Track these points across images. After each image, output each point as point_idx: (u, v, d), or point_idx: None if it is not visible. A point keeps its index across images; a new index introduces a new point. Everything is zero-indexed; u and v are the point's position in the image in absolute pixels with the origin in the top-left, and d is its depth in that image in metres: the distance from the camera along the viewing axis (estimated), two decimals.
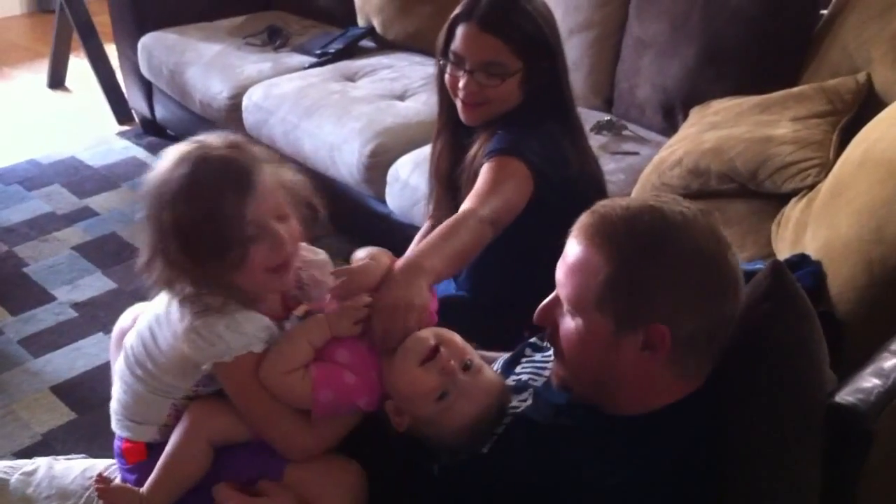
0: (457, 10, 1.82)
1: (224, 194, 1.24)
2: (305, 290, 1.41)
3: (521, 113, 1.85)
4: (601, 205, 1.22)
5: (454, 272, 1.72)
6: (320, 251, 1.45)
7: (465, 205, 1.69)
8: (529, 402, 1.35)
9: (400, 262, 1.46)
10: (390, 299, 1.35)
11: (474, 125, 1.88)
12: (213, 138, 1.30)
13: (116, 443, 1.43)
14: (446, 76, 1.86)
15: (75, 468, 1.51)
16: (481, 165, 1.77)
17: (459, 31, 1.81)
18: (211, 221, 1.24)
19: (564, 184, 1.81)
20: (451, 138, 1.98)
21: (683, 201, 1.21)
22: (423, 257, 1.49)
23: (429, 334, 1.33)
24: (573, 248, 1.21)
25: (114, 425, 1.43)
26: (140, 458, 1.39)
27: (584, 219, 1.22)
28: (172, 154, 1.28)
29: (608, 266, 1.16)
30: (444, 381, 1.27)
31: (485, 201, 1.67)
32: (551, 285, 1.27)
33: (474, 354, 1.35)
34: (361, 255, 1.47)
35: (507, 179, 1.73)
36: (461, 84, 1.82)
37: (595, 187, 1.95)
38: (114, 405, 1.42)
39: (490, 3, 1.78)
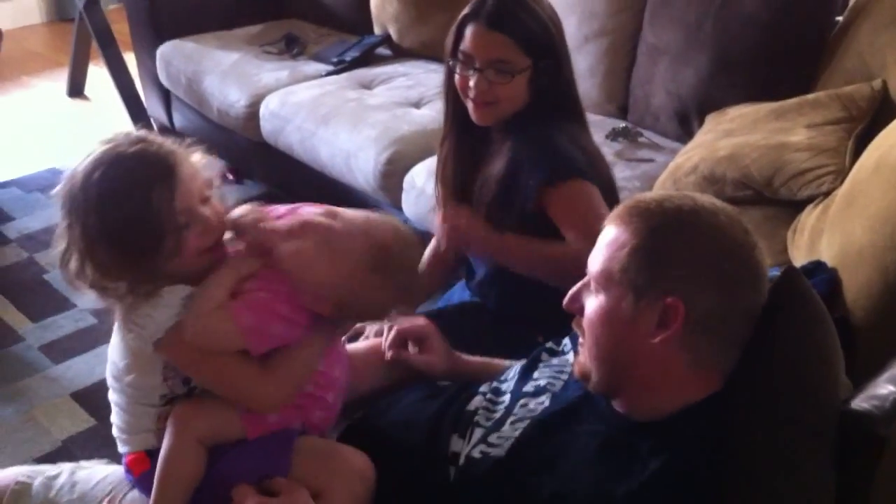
0: (464, 12, 1.86)
1: (151, 189, 1.27)
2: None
3: (532, 112, 1.87)
4: (635, 195, 1.28)
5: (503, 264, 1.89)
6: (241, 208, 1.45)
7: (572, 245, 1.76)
8: (546, 404, 1.36)
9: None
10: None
11: (486, 125, 1.91)
12: (119, 137, 1.33)
13: (123, 461, 1.45)
14: (456, 77, 1.89)
15: (98, 474, 1.52)
16: (531, 194, 1.80)
17: (468, 31, 1.84)
18: (142, 218, 1.27)
19: (600, 184, 1.87)
20: (458, 143, 2.01)
21: (719, 201, 1.25)
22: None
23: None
24: (605, 230, 1.26)
25: (118, 447, 1.45)
26: (144, 467, 1.40)
27: (618, 206, 1.27)
28: (85, 161, 1.30)
29: (634, 238, 1.20)
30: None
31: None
32: (565, 292, 1.29)
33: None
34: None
35: (595, 205, 1.79)
36: (471, 83, 1.84)
37: (609, 182, 1.97)
38: (113, 429, 1.45)
39: (496, 2, 1.81)
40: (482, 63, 1.82)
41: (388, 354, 1.64)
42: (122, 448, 1.44)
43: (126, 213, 1.27)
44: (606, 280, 1.22)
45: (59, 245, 1.34)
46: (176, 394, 1.37)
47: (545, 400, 1.38)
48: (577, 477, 1.20)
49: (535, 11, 1.83)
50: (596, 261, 1.25)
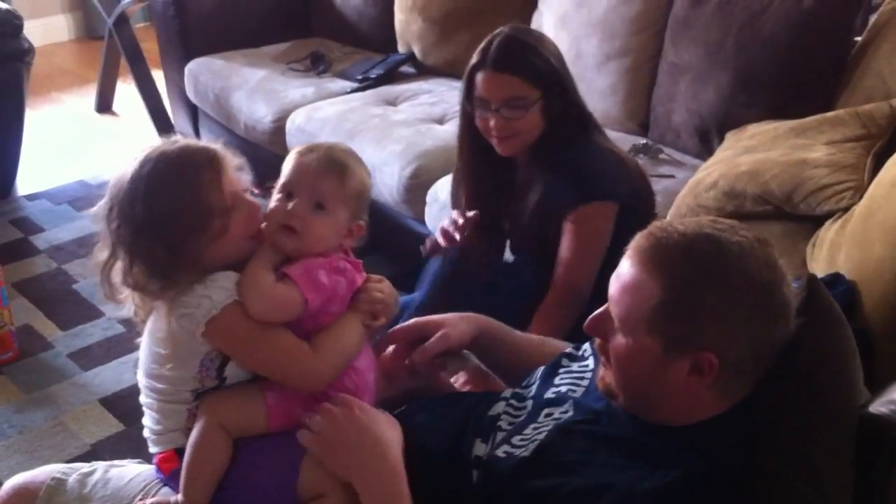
0: (472, 61, 2.03)
1: (199, 172, 1.36)
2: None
3: (552, 137, 2.03)
4: (658, 228, 1.24)
5: None
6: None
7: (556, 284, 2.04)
8: (570, 413, 1.38)
9: None
10: None
11: (512, 155, 2.08)
12: (149, 145, 1.40)
13: (153, 462, 1.49)
14: (477, 121, 2.05)
15: (130, 471, 1.55)
16: (562, 215, 2.02)
17: (478, 78, 2.01)
18: (191, 200, 1.35)
19: (633, 188, 2.06)
20: (480, 179, 2.17)
21: (741, 228, 1.22)
22: None
23: None
24: (628, 269, 1.24)
25: (149, 448, 1.49)
26: (173, 465, 1.43)
27: (640, 240, 1.24)
28: (128, 165, 1.37)
29: (661, 292, 1.19)
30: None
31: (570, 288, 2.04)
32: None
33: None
34: None
35: (597, 234, 2.02)
36: (491, 124, 2.01)
37: (643, 180, 2.15)
38: (145, 431, 1.48)
39: (498, 47, 1.99)
40: (497, 103, 1.99)
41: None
42: (152, 448, 1.48)
43: (175, 195, 1.35)
44: (633, 327, 1.22)
45: (101, 254, 1.40)
46: (206, 387, 1.41)
47: (568, 409, 1.39)
48: (601, 476, 1.22)
49: (535, 48, 2.00)
50: (619, 303, 1.24)
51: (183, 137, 1.45)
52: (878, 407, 1.19)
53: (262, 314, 1.36)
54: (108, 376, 2.76)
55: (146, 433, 1.49)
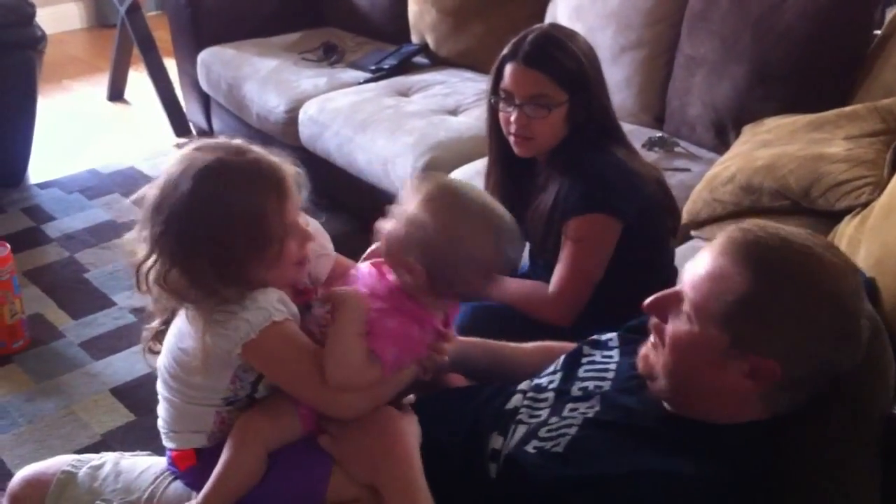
0: (504, 52, 1.98)
1: (268, 197, 1.31)
2: (311, 267, 1.47)
3: (573, 144, 1.97)
4: (757, 225, 1.22)
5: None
6: (311, 220, 1.48)
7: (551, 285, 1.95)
8: (598, 408, 1.35)
9: None
10: None
11: (527, 157, 2.02)
12: (210, 145, 1.35)
13: (167, 455, 1.47)
14: (500, 114, 2.00)
15: (141, 464, 1.54)
16: (564, 219, 1.93)
17: (507, 70, 1.96)
18: (254, 225, 1.30)
19: (642, 207, 1.95)
20: (503, 176, 2.11)
21: (839, 251, 1.21)
22: None
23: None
24: (715, 257, 1.21)
25: (163, 440, 1.47)
26: (190, 462, 1.42)
27: (735, 233, 1.22)
28: (180, 168, 1.32)
29: (748, 287, 1.16)
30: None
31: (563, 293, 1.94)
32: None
33: None
34: None
35: (596, 244, 1.93)
36: (512, 118, 1.96)
37: (659, 187, 2.05)
38: (159, 422, 1.46)
39: (532, 42, 1.93)
40: (521, 98, 1.93)
41: None
42: (167, 443, 1.46)
43: (238, 219, 1.30)
44: (705, 315, 1.20)
45: (138, 251, 1.35)
46: (239, 397, 1.39)
47: (595, 404, 1.37)
48: (634, 465, 1.20)
49: (570, 49, 1.93)
50: (697, 288, 1.22)
51: (238, 142, 1.38)
52: None
53: (339, 384, 1.33)
54: (119, 366, 2.75)
55: (161, 425, 1.47)
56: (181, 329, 1.40)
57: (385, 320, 1.35)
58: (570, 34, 2.00)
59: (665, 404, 1.30)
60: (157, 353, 1.47)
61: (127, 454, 1.59)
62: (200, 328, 1.32)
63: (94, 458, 1.55)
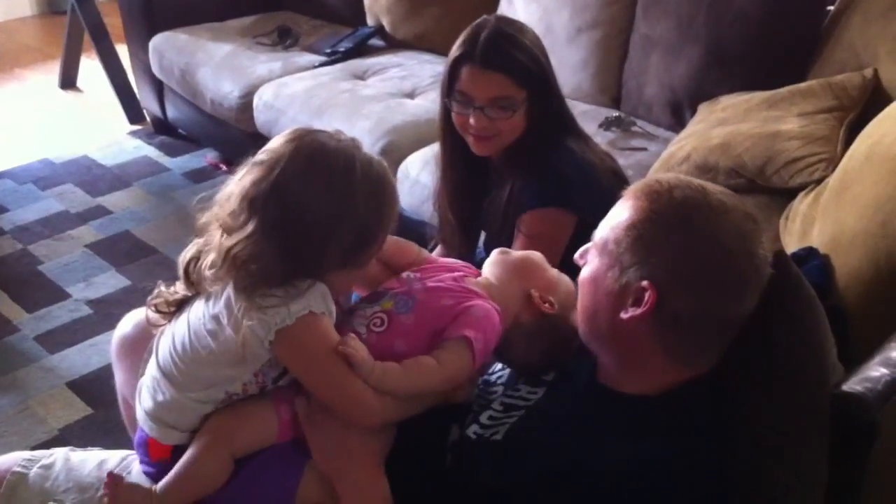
0: (456, 53, 1.89)
1: (396, 200, 1.37)
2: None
3: (530, 138, 1.92)
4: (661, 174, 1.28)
5: None
6: None
7: None
8: (540, 395, 1.37)
9: None
10: None
11: (487, 155, 1.97)
12: (314, 135, 1.33)
13: (140, 434, 1.41)
14: (454, 115, 1.93)
15: (91, 460, 1.51)
16: (519, 214, 1.90)
17: (463, 72, 1.88)
18: (377, 225, 1.33)
19: (599, 201, 1.87)
20: (459, 177, 2.06)
21: (739, 199, 1.24)
22: None
23: None
24: (620, 201, 1.27)
25: (141, 421, 1.41)
26: (163, 456, 1.38)
27: (640, 181, 1.29)
28: (294, 161, 1.29)
29: (635, 215, 1.22)
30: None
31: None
32: None
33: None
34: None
35: (550, 237, 1.85)
36: (471, 121, 1.89)
37: (615, 177, 2.01)
38: (147, 403, 1.39)
39: (487, 41, 1.85)
40: (482, 102, 1.87)
41: None
42: (148, 429, 1.39)
43: (376, 214, 1.32)
44: (603, 248, 1.25)
45: (207, 238, 1.32)
46: (247, 395, 1.35)
47: (538, 390, 1.38)
48: (571, 453, 1.21)
49: (524, 44, 1.88)
50: (602, 227, 1.28)
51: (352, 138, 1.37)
52: (854, 385, 1.17)
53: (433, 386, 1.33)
54: (75, 359, 2.71)
55: (148, 406, 1.38)
56: (197, 319, 1.34)
57: (471, 307, 1.35)
58: (520, 27, 1.94)
59: (600, 378, 1.31)
60: (159, 316, 1.42)
61: (78, 450, 1.56)
62: (242, 314, 1.27)
63: (43, 456, 1.52)
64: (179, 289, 1.41)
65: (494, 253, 1.51)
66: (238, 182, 1.31)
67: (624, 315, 1.21)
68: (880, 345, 1.31)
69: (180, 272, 1.37)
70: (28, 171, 3.87)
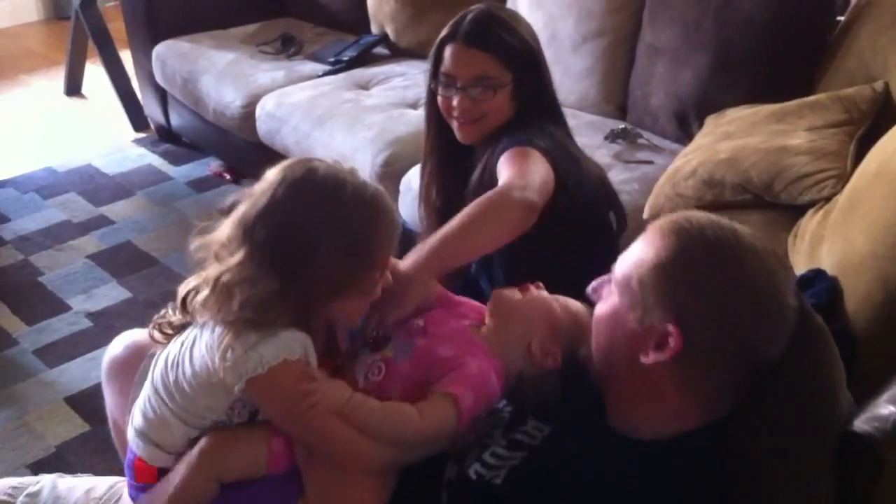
0: (442, 34, 1.88)
1: (394, 223, 1.31)
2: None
3: (516, 123, 1.87)
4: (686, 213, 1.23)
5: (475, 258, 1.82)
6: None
7: (499, 185, 1.66)
8: (546, 433, 1.30)
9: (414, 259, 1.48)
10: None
11: (472, 142, 1.91)
12: (310, 164, 1.30)
13: (129, 456, 1.39)
14: (439, 99, 1.91)
15: (79, 487, 1.49)
16: (493, 174, 1.77)
17: (447, 52, 1.86)
18: (380, 245, 1.29)
19: (576, 184, 1.83)
20: (440, 165, 2.02)
21: (766, 242, 1.20)
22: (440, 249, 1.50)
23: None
24: (646, 236, 1.22)
25: (131, 440, 1.38)
26: (149, 479, 1.36)
27: (667, 217, 1.23)
28: (292, 187, 1.26)
29: (662, 254, 1.17)
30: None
31: (518, 180, 1.64)
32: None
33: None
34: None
35: (534, 162, 1.72)
36: (455, 103, 1.86)
37: (601, 184, 1.96)
38: (137, 421, 1.36)
39: (472, 21, 1.84)
40: (464, 81, 1.84)
41: None
42: (136, 447, 1.37)
43: (376, 239, 1.28)
44: (625, 285, 1.20)
45: (205, 271, 1.28)
46: (233, 423, 1.32)
47: (544, 427, 1.32)
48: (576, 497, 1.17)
49: (512, 27, 1.85)
50: (623, 263, 1.23)
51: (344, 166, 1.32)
52: (862, 424, 1.13)
53: (416, 437, 1.27)
54: (74, 374, 2.68)
55: (138, 425, 1.36)
56: (192, 345, 1.31)
57: (465, 364, 1.31)
58: (512, 13, 1.92)
59: (610, 421, 1.26)
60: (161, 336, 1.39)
61: (66, 476, 1.54)
62: (217, 351, 1.24)
63: (30, 484, 1.50)
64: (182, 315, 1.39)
65: (494, 295, 1.43)
66: (234, 213, 1.30)
67: (645, 359, 1.16)
68: (889, 369, 1.27)
69: (178, 302, 1.34)
70: (31, 180, 3.85)
